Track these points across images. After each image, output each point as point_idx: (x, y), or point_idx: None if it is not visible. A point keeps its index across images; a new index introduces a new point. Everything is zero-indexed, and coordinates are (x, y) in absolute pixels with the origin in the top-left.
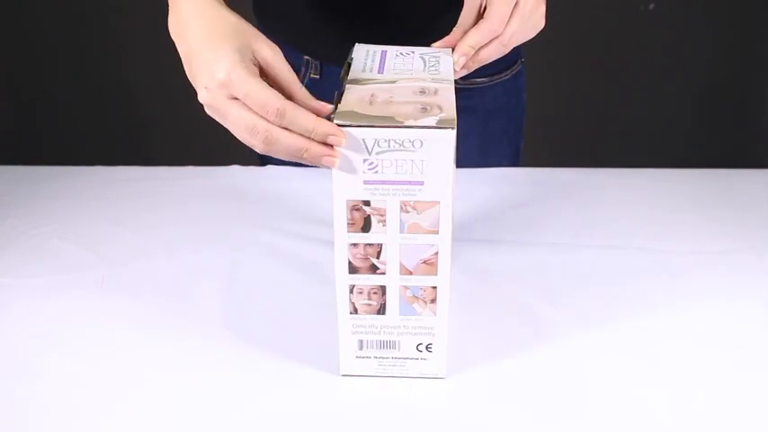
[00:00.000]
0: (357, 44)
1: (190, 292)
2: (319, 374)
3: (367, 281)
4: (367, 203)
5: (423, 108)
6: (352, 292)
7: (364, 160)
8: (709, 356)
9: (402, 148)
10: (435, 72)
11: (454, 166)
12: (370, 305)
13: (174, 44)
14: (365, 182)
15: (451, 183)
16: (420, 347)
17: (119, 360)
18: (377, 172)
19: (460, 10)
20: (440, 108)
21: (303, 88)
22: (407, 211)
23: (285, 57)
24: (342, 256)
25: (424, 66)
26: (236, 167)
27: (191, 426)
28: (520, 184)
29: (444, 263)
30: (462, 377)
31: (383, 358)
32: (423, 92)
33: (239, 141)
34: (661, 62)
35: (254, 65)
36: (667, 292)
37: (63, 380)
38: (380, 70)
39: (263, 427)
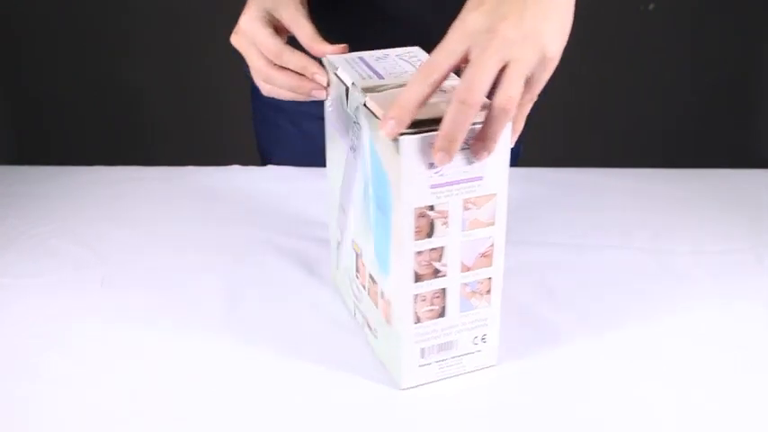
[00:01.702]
0: (329, 56)
1: (190, 292)
2: (319, 374)
3: (430, 286)
4: (431, 208)
5: None
6: (415, 301)
7: (431, 165)
8: (710, 356)
9: (465, 146)
10: None
11: None
12: (432, 310)
13: (173, 45)
14: (432, 186)
15: (507, 171)
16: (476, 340)
17: (119, 360)
18: (442, 175)
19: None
20: None
21: (317, 42)
22: (468, 209)
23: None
24: (406, 267)
25: (412, 66)
26: (236, 167)
27: (191, 426)
28: (520, 184)
29: (499, 252)
30: (463, 377)
31: (443, 360)
32: (443, 90)
33: (239, 141)
34: (661, 62)
35: (273, 22)
36: (668, 292)
37: (63, 380)
38: (380, 76)
39: (263, 428)
